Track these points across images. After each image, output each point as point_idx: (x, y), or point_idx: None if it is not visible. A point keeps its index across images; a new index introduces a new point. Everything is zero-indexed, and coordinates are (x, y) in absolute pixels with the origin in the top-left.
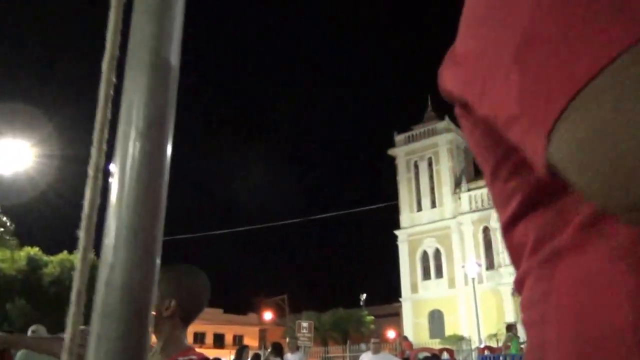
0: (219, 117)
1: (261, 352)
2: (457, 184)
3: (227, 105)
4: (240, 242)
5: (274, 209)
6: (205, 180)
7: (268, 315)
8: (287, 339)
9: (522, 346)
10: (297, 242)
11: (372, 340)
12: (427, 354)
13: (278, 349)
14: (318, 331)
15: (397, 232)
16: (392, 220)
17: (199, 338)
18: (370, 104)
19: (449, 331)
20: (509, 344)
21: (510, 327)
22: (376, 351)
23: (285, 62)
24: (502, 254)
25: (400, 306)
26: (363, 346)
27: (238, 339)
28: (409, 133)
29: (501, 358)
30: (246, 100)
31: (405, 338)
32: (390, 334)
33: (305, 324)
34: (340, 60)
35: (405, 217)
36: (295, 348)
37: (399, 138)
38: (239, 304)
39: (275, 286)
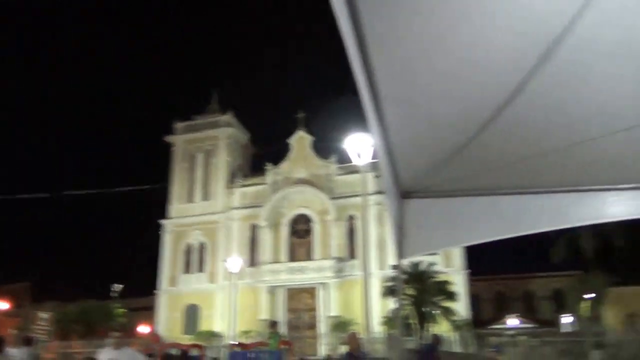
0: None
1: None
2: (232, 179)
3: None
4: None
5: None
6: None
7: (5, 304)
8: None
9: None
10: (46, 223)
11: (112, 334)
12: (175, 349)
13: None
14: (61, 324)
15: (163, 222)
16: (160, 209)
17: None
18: (155, 87)
19: (203, 327)
20: (270, 340)
21: (274, 324)
22: (117, 346)
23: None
24: (265, 252)
25: (156, 300)
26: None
27: None
28: (190, 122)
29: (249, 354)
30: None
31: (155, 333)
32: (144, 328)
33: (44, 316)
34: (132, 41)
35: (174, 207)
36: (24, 341)
37: (178, 126)
38: None
39: (15, 271)
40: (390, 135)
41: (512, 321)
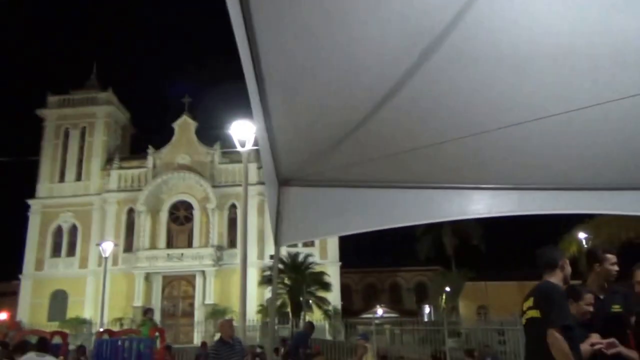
0: None
1: None
2: (109, 161)
3: None
4: None
5: None
6: None
7: None
8: None
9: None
10: None
11: None
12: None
13: None
14: None
15: (30, 202)
16: (28, 188)
17: None
18: (30, 56)
19: (71, 313)
20: (141, 327)
21: (147, 311)
22: None
23: None
24: (142, 238)
25: (19, 285)
26: None
27: None
28: (66, 97)
29: (119, 342)
30: None
31: (13, 319)
32: (2, 315)
33: None
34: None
35: (43, 187)
36: None
37: (52, 99)
38: None
39: None
40: (272, 120)
41: (379, 311)
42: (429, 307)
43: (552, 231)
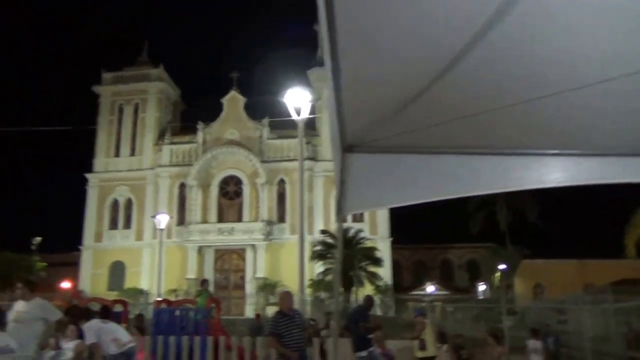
0: None
1: None
2: (161, 136)
3: None
4: None
5: None
6: None
7: None
8: None
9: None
10: None
11: (17, 285)
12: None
13: None
14: None
15: (88, 176)
16: (85, 162)
17: None
18: (84, 35)
19: (129, 283)
20: (198, 297)
21: (203, 282)
22: (26, 298)
23: None
24: (194, 212)
25: (80, 255)
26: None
27: None
28: (119, 73)
29: (177, 311)
30: None
31: (76, 288)
32: (66, 284)
33: None
34: None
35: (100, 161)
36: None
37: (106, 76)
38: None
39: None
40: (342, 76)
41: (430, 288)
42: (484, 284)
43: (617, 207)
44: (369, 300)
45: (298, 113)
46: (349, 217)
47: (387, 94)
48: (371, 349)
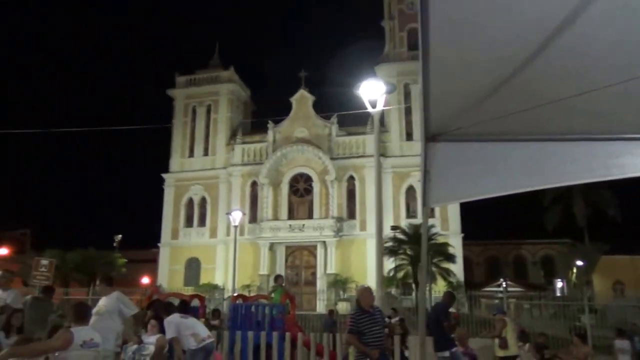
0: None
1: None
2: (233, 136)
3: None
4: None
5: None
6: None
7: (4, 250)
8: (0, 273)
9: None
10: (48, 169)
11: (97, 281)
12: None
13: None
14: (60, 271)
15: (165, 176)
16: (161, 162)
17: None
18: (156, 40)
19: (204, 279)
20: (272, 294)
21: (277, 278)
22: (105, 293)
23: None
24: (265, 209)
25: (158, 252)
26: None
27: None
28: (192, 76)
29: (253, 307)
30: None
31: (154, 284)
32: (145, 280)
33: (44, 262)
34: None
35: (175, 162)
36: (9, 284)
37: (180, 79)
38: None
39: (16, 217)
40: (431, 63)
41: (503, 285)
42: (561, 281)
43: None
44: (450, 296)
45: (373, 105)
46: (420, 213)
47: (475, 81)
48: (454, 349)
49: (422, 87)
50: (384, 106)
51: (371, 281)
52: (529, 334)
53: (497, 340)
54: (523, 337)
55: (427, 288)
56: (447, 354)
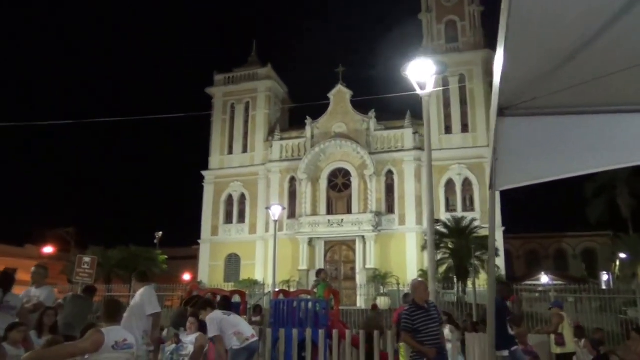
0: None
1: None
2: (271, 132)
3: None
4: (22, 163)
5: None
6: None
7: (50, 249)
8: (33, 269)
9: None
10: (90, 168)
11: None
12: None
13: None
14: (103, 268)
15: (204, 173)
16: (200, 160)
17: None
18: (194, 40)
19: (244, 275)
20: (315, 289)
21: (319, 272)
22: (136, 288)
23: None
24: (304, 205)
25: (198, 249)
26: (154, 287)
27: None
28: (230, 74)
29: (294, 302)
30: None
31: (195, 280)
32: (186, 276)
33: (87, 259)
34: None
35: (214, 159)
36: (44, 280)
37: (218, 78)
38: (14, 233)
39: (61, 216)
40: (511, 14)
41: (544, 278)
42: (608, 274)
43: None
44: (506, 286)
45: (422, 87)
46: (460, 206)
47: (552, 44)
48: (514, 348)
49: (501, 49)
50: (420, 100)
51: (411, 275)
52: (586, 329)
53: (553, 337)
54: (579, 332)
55: (471, 282)
56: (506, 353)
